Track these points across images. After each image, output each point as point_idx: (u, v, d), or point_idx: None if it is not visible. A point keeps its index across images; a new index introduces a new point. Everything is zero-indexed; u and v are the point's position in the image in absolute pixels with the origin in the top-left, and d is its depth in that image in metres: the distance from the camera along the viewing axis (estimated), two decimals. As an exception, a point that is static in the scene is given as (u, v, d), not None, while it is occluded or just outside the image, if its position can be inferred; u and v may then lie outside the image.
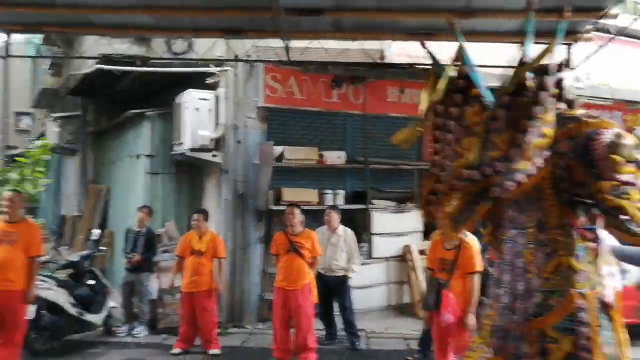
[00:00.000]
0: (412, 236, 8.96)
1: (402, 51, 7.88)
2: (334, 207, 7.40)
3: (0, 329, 5.58)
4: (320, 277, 6.67)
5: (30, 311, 6.10)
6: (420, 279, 8.41)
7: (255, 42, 7.62)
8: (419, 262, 8.53)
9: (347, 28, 6.33)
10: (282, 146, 8.23)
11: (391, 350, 6.98)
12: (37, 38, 10.51)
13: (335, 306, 7.16)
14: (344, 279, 7.00)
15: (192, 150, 7.88)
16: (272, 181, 8.02)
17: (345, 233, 7.06)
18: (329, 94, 8.65)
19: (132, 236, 7.61)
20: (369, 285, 8.49)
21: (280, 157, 8.18)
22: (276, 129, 8.46)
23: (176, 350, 6.76)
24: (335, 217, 7.02)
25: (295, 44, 7.36)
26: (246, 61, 7.87)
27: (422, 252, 8.61)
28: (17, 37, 7.89)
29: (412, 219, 8.93)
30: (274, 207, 7.98)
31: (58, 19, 6.60)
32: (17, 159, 7.61)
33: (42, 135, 12.61)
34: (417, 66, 7.54)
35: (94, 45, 8.14)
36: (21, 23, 6.83)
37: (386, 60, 8.09)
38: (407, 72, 8.21)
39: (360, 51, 7.67)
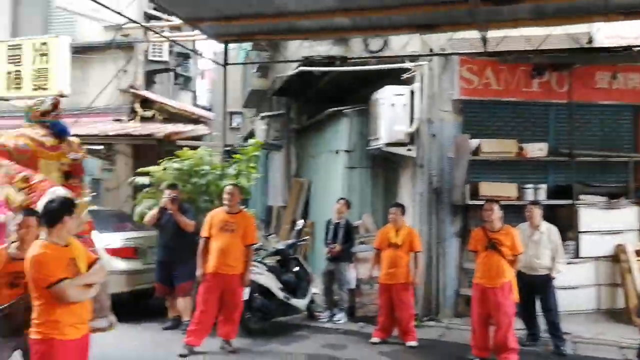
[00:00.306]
0: (627, 235, 8.13)
1: (613, 33, 7.15)
2: (535, 202, 7.02)
3: (221, 308, 6.33)
4: (521, 276, 6.37)
5: (245, 293, 6.80)
6: (638, 282, 7.61)
7: (450, 35, 7.52)
8: (636, 264, 7.72)
9: (549, 14, 5.95)
10: (479, 139, 8.01)
11: (603, 358, 6.44)
12: (247, 45, 11.53)
13: (538, 306, 6.79)
14: (547, 279, 6.61)
15: (388, 145, 8.03)
16: (469, 175, 7.86)
17: (549, 230, 6.67)
18: (528, 83, 8.20)
19: (332, 227, 7.98)
20: (575, 286, 7.91)
21: (476, 151, 7.97)
22: (472, 121, 8.25)
23: (375, 339, 6.99)
24: (537, 213, 6.67)
25: (492, 33, 7.12)
26: (441, 55, 7.81)
27: (639, 253, 7.79)
28: (230, 45, 8.75)
29: (627, 216, 8.15)
30: (471, 202, 7.80)
31: (267, 27, 7.23)
32: (233, 156, 8.44)
33: (251, 133, 13.84)
34: (633, 49, 6.80)
35: (297, 48, 8.71)
36: (236, 34, 7.61)
37: (595, 44, 7.39)
38: (620, 56, 7.43)
39: (565, 36, 7.13)
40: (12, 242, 4.12)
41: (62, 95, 10.65)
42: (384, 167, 9.08)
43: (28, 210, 4.20)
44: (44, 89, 10.63)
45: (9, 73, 10.83)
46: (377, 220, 8.79)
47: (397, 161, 8.61)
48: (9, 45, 10.93)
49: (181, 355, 6.22)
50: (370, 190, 9.11)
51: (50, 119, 4.98)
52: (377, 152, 8.46)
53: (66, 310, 3.56)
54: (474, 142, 7.97)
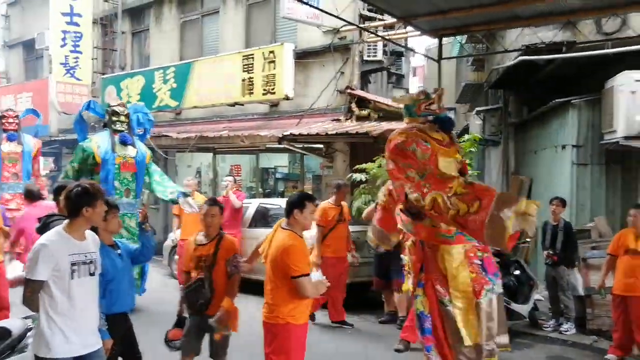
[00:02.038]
0: None
1: None
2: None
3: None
4: None
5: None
6: None
7: None
8: None
9: None
10: None
11: None
12: (461, 38, 11.17)
13: None
14: None
15: (627, 138, 7.12)
16: None
17: None
18: None
19: (550, 230, 7.42)
20: None
21: None
22: None
23: (610, 357, 6.28)
24: None
25: None
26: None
27: None
28: (444, 40, 8.51)
29: None
30: None
31: (485, 17, 6.85)
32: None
33: (465, 129, 13.42)
34: None
35: (517, 37, 8.14)
36: (452, 27, 7.36)
37: None
38: None
39: None
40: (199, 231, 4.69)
41: (287, 98, 11.54)
42: (621, 163, 8.06)
43: (210, 200, 4.79)
44: (272, 93, 11.59)
45: (244, 80, 12.01)
46: (614, 223, 7.85)
47: (638, 157, 7.56)
48: (244, 55, 12.12)
49: (397, 350, 6.28)
50: (604, 189, 8.17)
51: (436, 111, 4.43)
52: (613, 146, 7.55)
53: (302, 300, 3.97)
54: None
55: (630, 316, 6.07)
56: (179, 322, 4.67)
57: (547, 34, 7.54)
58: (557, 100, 8.40)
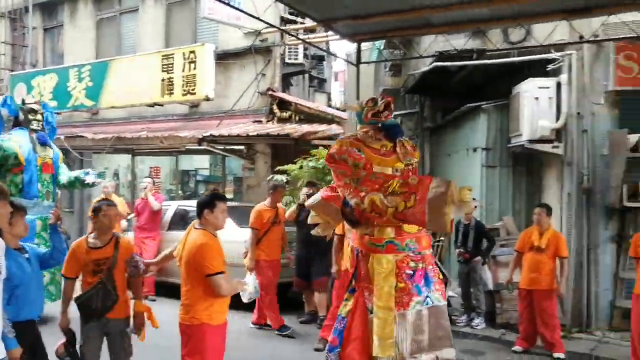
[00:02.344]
0: None
1: None
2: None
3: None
4: None
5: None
6: None
7: (603, 19, 6.83)
8: None
9: None
10: (638, 134, 7.19)
11: None
12: (380, 44, 11.46)
13: None
14: None
15: (531, 141, 7.52)
16: (626, 174, 7.08)
17: None
18: (699, 69, 7.22)
19: (462, 229, 7.71)
20: None
21: (636, 147, 7.15)
22: (630, 114, 7.38)
23: (517, 348, 6.65)
24: None
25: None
26: (594, 42, 7.11)
27: None
28: (363, 46, 8.72)
29: None
30: (629, 204, 7.03)
31: (400, 24, 7.07)
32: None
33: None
34: None
35: (431, 44, 8.44)
36: (369, 32, 7.53)
37: None
38: None
39: None
40: (90, 232, 4.53)
41: (207, 99, 11.41)
42: (526, 165, 8.52)
43: (105, 201, 4.74)
44: (192, 93, 11.43)
45: (163, 80, 11.76)
46: (519, 222, 8.28)
47: (541, 159, 8.03)
48: (163, 55, 11.88)
49: (317, 349, 6.34)
50: (512, 190, 8.60)
51: (381, 119, 4.35)
52: (519, 149, 7.96)
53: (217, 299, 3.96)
54: (633, 138, 7.17)
55: (535, 309, 6.46)
56: (68, 335, 4.35)
57: (459, 42, 7.86)
58: (468, 105, 8.79)
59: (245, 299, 7.20)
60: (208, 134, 10.56)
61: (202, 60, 11.30)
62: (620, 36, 6.91)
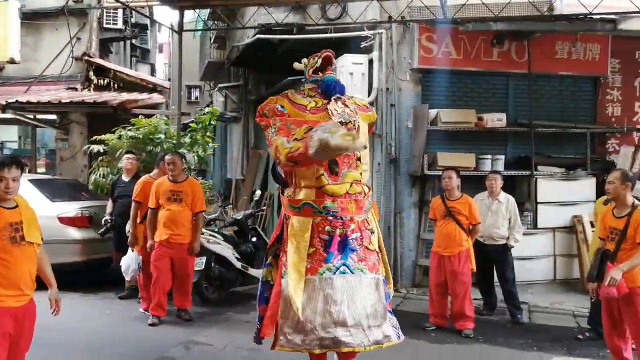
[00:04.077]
0: (584, 206, 8.18)
1: (574, 1, 7.11)
2: (497, 172, 6.99)
3: (174, 278, 6.22)
4: (479, 246, 6.39)
5: (201, 263, 6.70)
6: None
7: (409, 1, 7.39)
8: (591, 234, 7.81)
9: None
10: (438, 109, 7.94)
11: (557, 326, 6.47)
12: (204, 14, 11.27)
13: (496, 276, 6.81)
14: (505, 249, 6.62)
15: (346, 115, 7.90)
16: (427, 145, 7.79)
17: (507, 200, 6.64)
18: (489, 52, 8.14)
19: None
20: (532, 256, 8.00)
21: (435, 121, 7.91)
22: (431, 91, 8.17)
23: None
24: (499, 182, 6.64)
25: (453, 1, 7.01)
26: (400, 22, 7.67)
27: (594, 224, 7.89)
28: (188, 17, 8.50)
29: (584, 188, 8.23)
30: (429, 172, 7.76)
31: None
32: (190, 124, 8.30)
33: (209, 106, 13.62)
34: (594, 16, 6.77)
35: (254, 17, 8.47)
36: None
37: (556, 12, 7.35)
38: (580, 25, 7.42)
39: (526, 4, 7.07)
40: None
41: (12, 62, 10.28)
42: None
43: None
44: (-7, 54, 10.21)
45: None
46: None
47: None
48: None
49: (151, 325, 6.08)
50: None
51: (319, 76, 4.03)
52: (337, 122, 8.30)
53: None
54: (433, 112, 7.90)
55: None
56: None
57: (280, 16, 8.00)
58: (290, 78, 8.99)
59: (127, 277, 6.78)
60: (14, 100, 9.55)
61: (5, 19, 10.10)
62: (422, 18, 7.53)
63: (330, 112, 3.91)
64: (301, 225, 3.83)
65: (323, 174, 3.82)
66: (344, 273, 3.75)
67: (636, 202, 4.55)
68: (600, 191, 7.23)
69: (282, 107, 3.95)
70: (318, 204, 3.81)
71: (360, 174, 3.97)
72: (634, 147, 8.53)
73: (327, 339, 3.68)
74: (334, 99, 3.97)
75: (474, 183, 7.18)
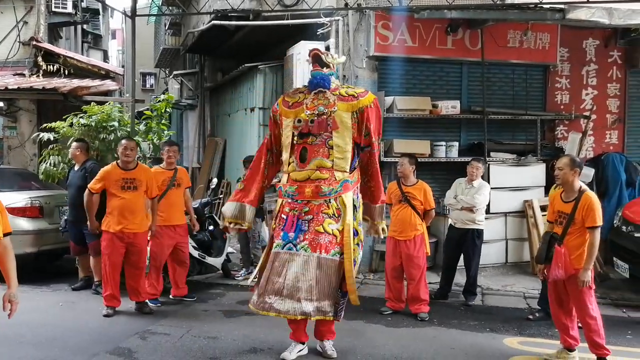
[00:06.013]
0: (534, 191, 8.45)
1: (525, -10, 7.30)
2: (479, 159, 7.04)
3: (128, 267, 6.08)
4: (451, 229, 6.65)
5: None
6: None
7: (366, -11, 7.42)
8: (541, 219, 8.06)
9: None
10: (393, 96, 8.03)
11: (509, 307, 6.69)
12: (159, 0, 11.02)
13: (462, 261, 6.91)
14: (474, 233, 6.71)
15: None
16: (383, 132, 7.85)
17: (479, 185, 6.69)
18: (443, 40, 8.25)
19: None
20: (485, 240, 8.04)
21: (391, 108, 7.99)
22: (387, 78, 8.25)
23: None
24: (481, 171, 6.73)
25: (408, -12, 7.07)
26: (357, 9, 7.69)
27: (544, 208, 8.13)
28: (141, 2, 8.29)
29: (534, 173, 8.46)
30: (386, 159, 7.85)
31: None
32: (145, 112, 8.12)
33: (164, 93, 13.38)
34: (543, 5, 6.94)
35: (209, 3, 8.34)
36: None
37: (508, 1, 7.51)
38: (531, 14, 7.58)
39: (479, -8, 7.20)
40: None
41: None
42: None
43: None
44: None
45: None
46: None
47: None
48: None
49: (106, 315, 5.95)
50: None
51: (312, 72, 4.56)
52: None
53: None
54: (389, 100, 7.98)
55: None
56: None
57: (237, 2, 7.89)
58: (246, 65, 8.93)
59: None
60: (-46, 86, 9.16)
61: (-56, 1, 9.70)
62: (379, 6, 7.57)
63: (305, 106, 4.44)
64: (277, 205, 4.58)
65: (294, 162, 4.42)
66: (290, 250, 4.38)
67: (583, 186, 4.73)
68: (549, 176, 7.45)
69: (277, 104, 4.65)
70: (284, 187, 4.50)
71: (332, 161, 4.43)
72: (581, 133, 8.84)
73: (267, 303, 4.35)
74: (315, 93, 4.46)
75: (429, 169, 7.30)
